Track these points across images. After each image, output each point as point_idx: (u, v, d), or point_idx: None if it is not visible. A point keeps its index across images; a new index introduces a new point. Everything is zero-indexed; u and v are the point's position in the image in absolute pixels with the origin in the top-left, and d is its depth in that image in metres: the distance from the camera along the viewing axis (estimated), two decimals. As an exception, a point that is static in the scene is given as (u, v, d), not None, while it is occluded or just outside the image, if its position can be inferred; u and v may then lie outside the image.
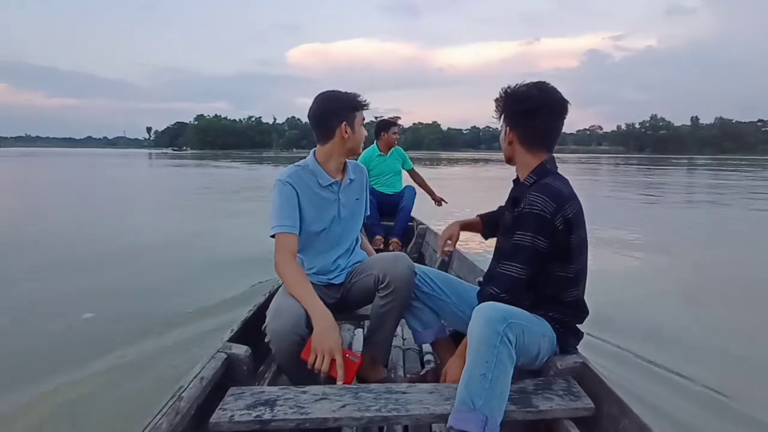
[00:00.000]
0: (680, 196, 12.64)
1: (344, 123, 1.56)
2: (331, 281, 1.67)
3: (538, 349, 1.28)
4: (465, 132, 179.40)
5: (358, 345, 1.99)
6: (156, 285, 3.65)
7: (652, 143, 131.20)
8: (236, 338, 1.55)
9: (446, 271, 2.68)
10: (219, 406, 1.18)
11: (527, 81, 1.36)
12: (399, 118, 4.81)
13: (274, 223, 1.51)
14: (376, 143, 4.16)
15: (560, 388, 1.27)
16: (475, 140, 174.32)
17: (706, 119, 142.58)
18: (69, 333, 2.63)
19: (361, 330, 2.16)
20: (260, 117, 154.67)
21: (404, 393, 1.24)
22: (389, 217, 4.01)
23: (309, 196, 1.58)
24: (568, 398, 1.22)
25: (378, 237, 3.85)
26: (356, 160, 1.81)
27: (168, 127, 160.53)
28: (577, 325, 1.41)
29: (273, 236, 1.51)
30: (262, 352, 1.58)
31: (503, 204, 1.59)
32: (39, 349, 2.43)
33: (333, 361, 1.32)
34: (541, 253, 1.25)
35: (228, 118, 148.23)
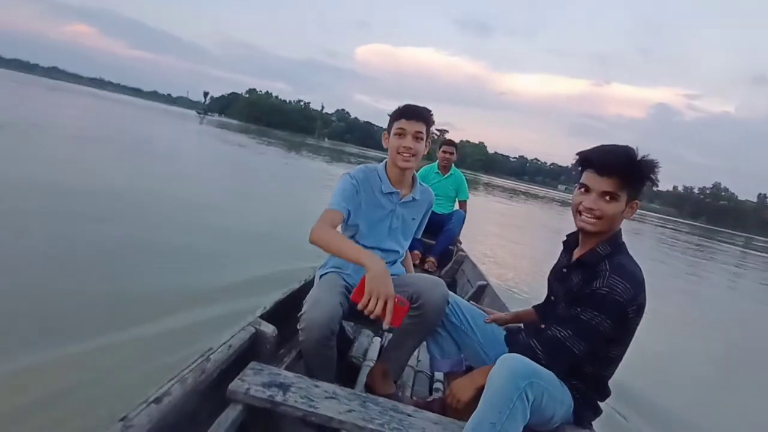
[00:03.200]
0: (725, 276, 12.06)
1: (386, 131, 1.69)
2: None
3: (552, 414, 1.26)
4: (512, 159, 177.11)
5: (373, 353, 2.02)
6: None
7: (708, 212, 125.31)
8: (266, 317, 1.63)
9: (478, 303, 2.64)
10: (239, 376, 1.27)
11: (610, 143, 1.33)
12: (446, 131, 4.83)
13: (330, 202, 1.59)
14: (438, 161, 4.20)
15: None
16: (521, 169, 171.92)
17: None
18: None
19: (379, 339, 2.21)
20: (309, 102, 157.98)
21: (410, 416, 1.27)
22: (431, 235, 3.94)
23: (368, 197, 1.67)
24: None
25: (415, 252, 3.82)
26: (400, 171, 1.72)
27: (222, 95, 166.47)
28: (599, 402, 1.39)
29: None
30: (286, 334, 1.66)
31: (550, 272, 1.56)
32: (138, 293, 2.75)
33: (385, 305, 1.31)
34: (602, 335, 1.24)
35: (278, 97, 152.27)
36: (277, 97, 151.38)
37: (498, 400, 1.14)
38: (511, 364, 1.19)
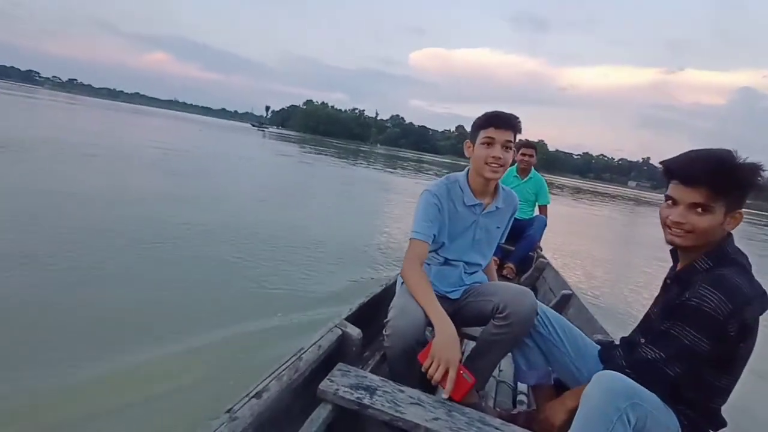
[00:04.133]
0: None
1: (469, 140, 1.64)
2: (448, 294, 1.70)
3: None
4: (576, 157, 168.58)
5: None
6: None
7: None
8: (351, 319, 1.67)
9: (561, 314, 2.68)
10: (328, 377, 1.31)
11: (710, 147, 1.17)
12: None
13: (413, 228, 1.58)
14: (517, 164, 4.01)
15: None
16: (585, 167, 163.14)
17: None
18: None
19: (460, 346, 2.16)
20: (363, 110, 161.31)
21: (497, 429, 1.23)
22: (510, 241, 3.74)
23: (451, 212, 1.64)
24: None
25: (494, 258, 3.56)
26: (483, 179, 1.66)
27: (282, 109, 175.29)
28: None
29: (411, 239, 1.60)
30: (369, 337, 1.67)
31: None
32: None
33: (446, 372, 1.33)
34: (700, 356, 1.10)
35: (334, 107, 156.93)
36: (332, 106, 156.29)
37: (595, 422, 1.05)
38: (609, 382, 1.09)
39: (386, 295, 1.67)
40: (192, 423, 1.52)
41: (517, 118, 1.59)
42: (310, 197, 8.94)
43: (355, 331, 1.59)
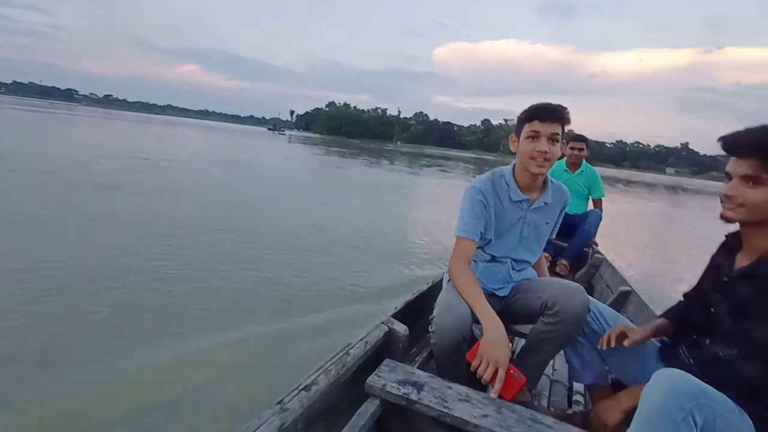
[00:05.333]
0: None
1: (514, 134, 1.60)
2: (496, 292, 1.68)
3: None
4: (609, 145, 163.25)
5: None
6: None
7: None
8: (398, 316, 1.69)
9: (619, 312, 2.54)
10: (375, 372, 1.33)
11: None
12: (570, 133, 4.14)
13: (459, 226, 1.57)
14: (566, 158, 3.91)
15: None
16: (620, 156, 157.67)
17: None
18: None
19: (510, 345, 2.09)
20: (386, 109, 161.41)
21: (550, 427, 1.20)
22: (564, 237, 3.70)
23: (497, 208, 1.61)
24: None
25: (546, 254, 3.50)
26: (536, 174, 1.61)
27: (306, 112, 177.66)
28: None
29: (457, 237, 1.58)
30: (415, 334, 1.70)
31: (689, 290, 1.40)
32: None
33: (495, 371, 1.32)
34: None
35: (356, 107, 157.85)
36: (355, 107, 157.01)
37: (657, 424, 0.98)
38: (671, 380, 1.02)
39: (433, 292, 1.71)
40: (252, 407, 1.58)
41: (565, 108, 1.52)
42: (343, 201, 9.09)
43: (401, 328, 1.61)
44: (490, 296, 1.63)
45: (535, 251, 1.72)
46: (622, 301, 2.64)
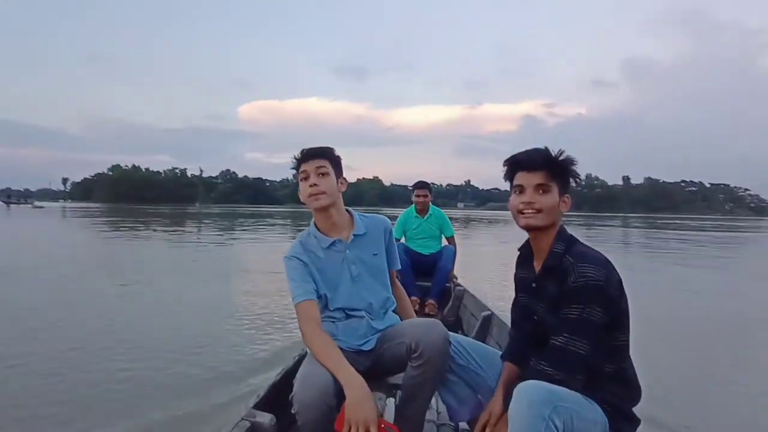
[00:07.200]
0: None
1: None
2: (361, 347, 1.67)
3: None
4: (409, 189, 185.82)
5: (389, 416, 1.82)
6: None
7: (588, 201, 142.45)
8: (262, 405, 1.62)
9: (485, 339, 2.76)
10: None
11: (525, 147, 1.45)
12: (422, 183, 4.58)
13: (292, 295, 1.59)
14: (414, 205, 4.34)
15: None
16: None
17: (636, 179, 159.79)
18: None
19: (393, 399, 2.03)
20: (185, 169, 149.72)
21: None
22: (426, 278, 3.98)
23: (316, 262, 1.65)
24: None
25: (413, 298, 3.74)
26: (315, 212, 1.73)
27: (85, 179, 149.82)
28: (633, 410, 1.36)
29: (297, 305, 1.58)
30: (288, 419, 1.54)
31: (512, 315, 1.62)
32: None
33: None
34: (599, 325, 1.26)
35: (149, 169, 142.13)
36: (147, 169, 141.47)
37: None
38: (527, 392, 1.17)
39: (299, 367, 1.54)
40: None
41: (328, 147, 1.70)
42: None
43: (266, 419, 1.50)
44: (357, 353, 1.65)
45: (379, 290, 1.72)
46: (487, 325, 2.82)
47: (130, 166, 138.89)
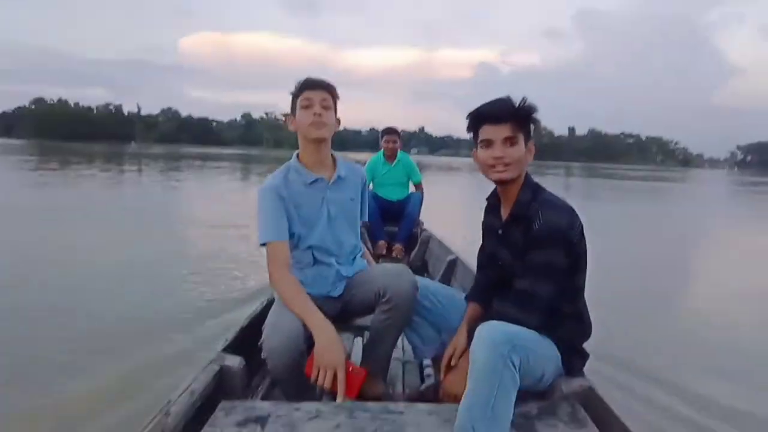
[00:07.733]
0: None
1: (290, 113, 1.66)
2: (329, 293, 1.69)
3: (542, 372, 1.31)
4: (364, 133, 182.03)
5: (357, 355, 1.97)
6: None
7: (536, 150, 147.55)
8: (231, 348, 1.61)
9: (449, 282, 2.87)
10: (208, 422, 1.23)
11: (489, 96, 1.43)
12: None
13: (260, 234, 1.56)
14: (383, 150, 4.31)
15: (565, 413, 1.29)
16: (374, 142, 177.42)
17: (581, 130, 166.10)
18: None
19: (360, 339, 2.16)
20: (120, 105, 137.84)
21: (402, 414, 1.28)
22: (393, 223, 4.11)
23: (295, 197, 1.62)
24: (572, 425, 1.25)
25: (381, 242, 3.98)
26: (335, 152, 1.77)
27: (5, 112, 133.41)
28: (584, 346, 1.45)
29: (263, 245, 1.55)
30: (256, 362, 1.59)
31: (478, 259, 1.70)
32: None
33: (335, 376, 1.36)
34: (560, 268, 1.32)
35: (78, 104, 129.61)
36: (77, 104, 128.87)
37: (485, 375, 1.15)
38: (488, 333, 1.20)
39: (268, 311, 1.56)
40: None
41: (328, 81, 1.66)
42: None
43: (235, 362, 1.52)
44: (326, 299, 1.66)
45: (350, 235, 1.74)
46: (452, 269, 2.92)
47: (55, 100, 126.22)
